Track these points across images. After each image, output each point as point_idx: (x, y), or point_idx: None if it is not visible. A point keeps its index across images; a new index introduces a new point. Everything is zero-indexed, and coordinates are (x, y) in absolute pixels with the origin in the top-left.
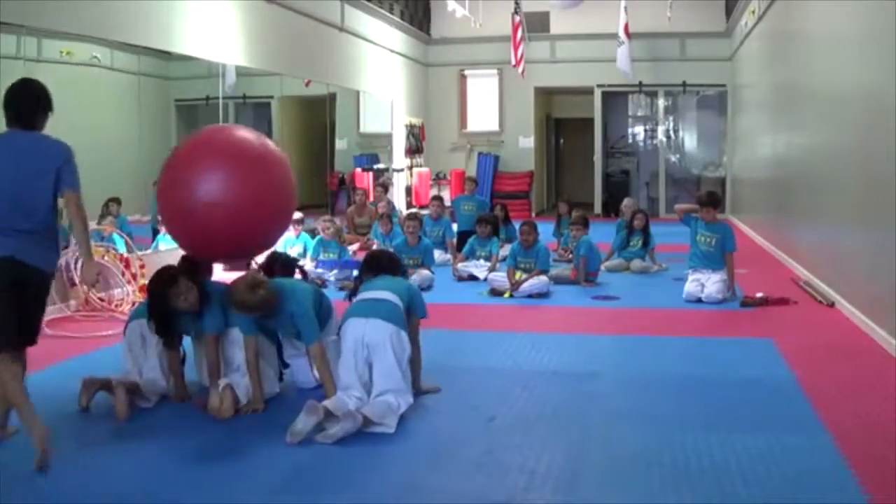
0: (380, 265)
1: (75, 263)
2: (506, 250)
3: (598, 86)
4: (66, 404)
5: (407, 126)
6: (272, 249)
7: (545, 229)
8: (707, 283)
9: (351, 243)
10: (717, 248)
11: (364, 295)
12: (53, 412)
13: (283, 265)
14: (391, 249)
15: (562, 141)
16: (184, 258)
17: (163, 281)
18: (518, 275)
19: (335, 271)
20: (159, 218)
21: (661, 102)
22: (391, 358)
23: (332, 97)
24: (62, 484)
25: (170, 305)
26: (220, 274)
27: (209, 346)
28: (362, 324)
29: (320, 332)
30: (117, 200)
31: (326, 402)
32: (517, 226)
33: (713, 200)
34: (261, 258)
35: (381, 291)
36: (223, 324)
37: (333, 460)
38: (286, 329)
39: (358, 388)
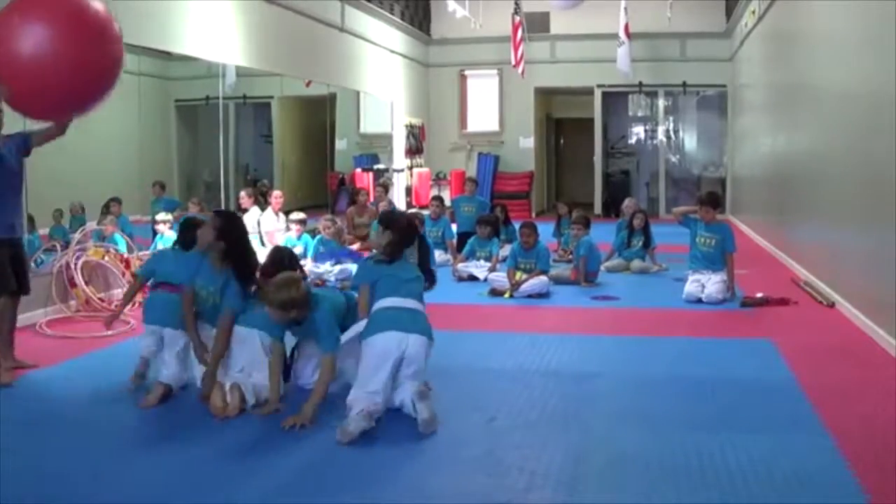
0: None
1: (76, 264)
2: (506, 251)
3: (599, 86)
4: (65, 405)
5: (407, 126)
6: (278, 245)
7: (545, 230)
8: (707, 283)
9: (351, 243)
10: (716, 248)
11: (394, 302)
12: (53, 412)
13: (290, 259)
14: None
15: (562, 141)
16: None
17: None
18: (518, 275)
19: (336, 270)
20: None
21: (662, 103)
22: (422, 367)
23: (333, 97)
24: (62, 484)
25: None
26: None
27: (222, 328)
28: (402, 338)
29: (338, 346)
30: (118, 200)
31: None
32: (517, 226)
33: (712, 200)
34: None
35: (407, 299)
36: (240, 306)
37: (334, 461)
38: (310, 335)
39: (381, 396)
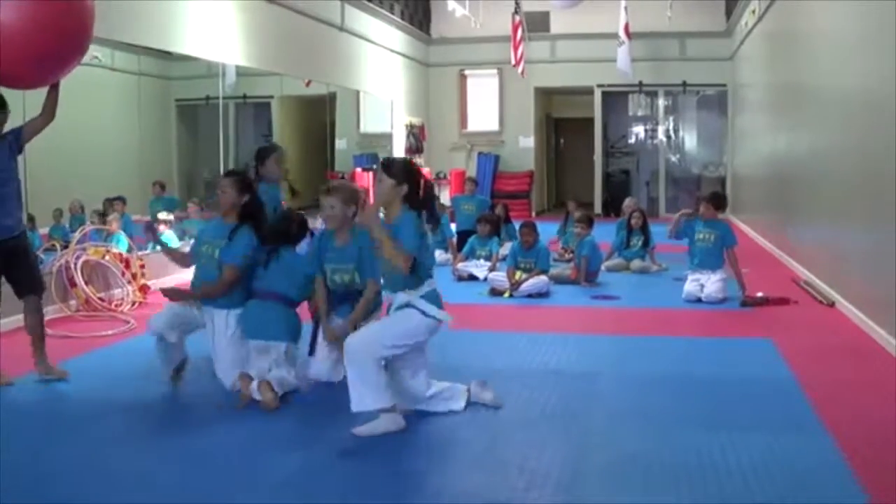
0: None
1: (76, 263)
2: (506, 249)
3: (599, 85)
4: (65, 404)
5: (407, 126)
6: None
7: (545, 229)
8: (707, 283)
9: None
10: (715, 244)
11: (435, 285)
12: (53, 412)
13: (300, 224)
14: None
15: (562, 141)
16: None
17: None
18: (518, 275)
19: None
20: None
21: (662, 102)
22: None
23: (332, 97)
24: (62, 484)
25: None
26: None
27: (226, 279)
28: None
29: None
30: (122, 199)
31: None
32: (517, 225)
33: (713, 197)
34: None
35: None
36: (242, 261)
37: (334, 460)
38: (347, 261)
39: (395, 352)
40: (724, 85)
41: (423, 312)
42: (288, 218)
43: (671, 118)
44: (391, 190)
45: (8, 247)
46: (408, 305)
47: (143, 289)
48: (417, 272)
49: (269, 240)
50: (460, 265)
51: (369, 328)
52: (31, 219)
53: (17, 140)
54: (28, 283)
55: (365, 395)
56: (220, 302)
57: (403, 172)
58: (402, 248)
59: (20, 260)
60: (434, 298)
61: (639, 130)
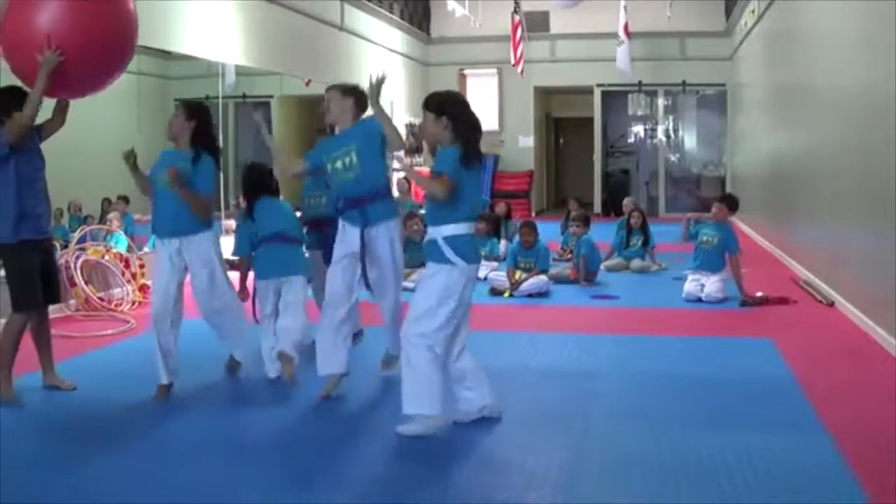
0: None
1: (75, 263)
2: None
3: (598, 85)
4: (65, 404)
5: (407, 125)
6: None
7: (545, 229)
8: (707, 282)
9: None
10: (717, 247)
11: (471, 229)
12: (52, 412)
13: (269, 174)
14: None
15: (561, 140)
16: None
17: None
18: (518, 274)
19: None
20: None
21: (661, 102)
22: None
23: None
24: (61, 484)
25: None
26: None
27: (204, 204)
28: (476, 271)
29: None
30: (126, 199)
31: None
32: (517, 224)
33: (727, 198)
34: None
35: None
36: (211, 188)
37: (333, 460)
38: (347, 145)
39: (448, 330)
40: (724, 84)
41: (441, 257)
42: (258, 169)
43: (671, 118)
44: (433, 124)
45: (44, 247)
46: (433, 245)
47: (143, 288)
48: (457, 204)
49: (248, 194)
50: None
51: (411, 310)
52: None
53: (39, 138)
54: (54, 291)
55: (418, 395)
56: (188, 229)
57: (440, 105)
58: (435, 173)
59: (51, 262)
60: (459, 244)
61: (638, 130)
